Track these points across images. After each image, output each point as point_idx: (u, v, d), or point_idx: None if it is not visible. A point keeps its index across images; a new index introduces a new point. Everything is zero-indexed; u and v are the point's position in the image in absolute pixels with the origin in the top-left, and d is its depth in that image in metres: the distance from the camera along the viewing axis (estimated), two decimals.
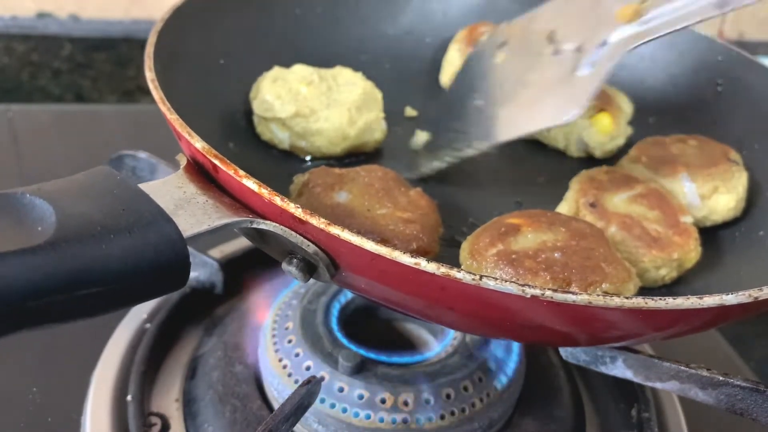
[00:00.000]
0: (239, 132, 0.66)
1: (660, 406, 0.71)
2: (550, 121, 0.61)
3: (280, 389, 0.62)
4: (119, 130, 1.11)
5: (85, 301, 0.34)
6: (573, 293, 0.38)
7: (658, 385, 0.51)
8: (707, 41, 0.78)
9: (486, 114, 0.66)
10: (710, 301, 0.40)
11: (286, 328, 0.65)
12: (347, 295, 0.68)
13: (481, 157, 0.71)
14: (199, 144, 0.44)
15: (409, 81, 0.80)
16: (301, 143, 0.66)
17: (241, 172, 0.42)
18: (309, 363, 0.61)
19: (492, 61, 0.69)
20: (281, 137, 0.66)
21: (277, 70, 0.67)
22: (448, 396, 0.60)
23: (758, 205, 0.66)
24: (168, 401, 0.66)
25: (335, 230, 0.39)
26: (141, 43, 0.56)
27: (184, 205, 0.41)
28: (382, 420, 0.59)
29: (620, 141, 0.74)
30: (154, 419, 0.64)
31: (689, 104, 0.77)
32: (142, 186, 0.40)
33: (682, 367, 0.50)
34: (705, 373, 0.49)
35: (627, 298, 0.39)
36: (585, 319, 0.42)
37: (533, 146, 0.76)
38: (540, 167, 0.73)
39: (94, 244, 0.34)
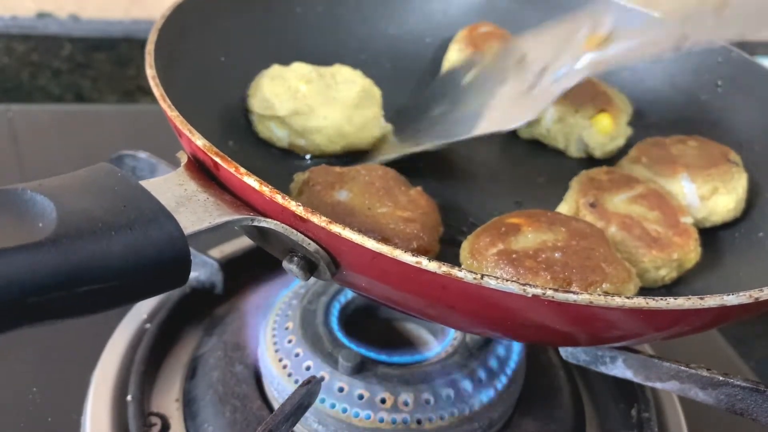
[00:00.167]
0: (240, 130, 0.66)
1: (660, 406, 0.71)
2: (499, 125, 0.64)
3: (280, 389, 0.62)
4: (119, 130, 1.11)
5: (86, 297, 0.34)
6: (574, 293, 0.38)
7: (658, 385, 0.51)
8: (707, 41, 0.77)
9: (446, 117, 0.69)
10: (711, 301, 0.40)
11: (286, 328, 0.65)
12: (347, 295, 0.68)
13: (481, 157, 0.71)
14: (200, 141, 0.44)
15: (409, 80, 0.80)
16: (300, 141, 0.66)
17: (242, 170, 0.42)
18: (309, 363, 0.61)
19: (462, 80, 0.73)
20: (280, 135, 0.66)
21: (275, 68, 0.67)
22: (448, 396, 0.60)
23: (758, 206, 0.66)
24: (168, 401, 0.66)
25: (336, 228, 0.39)
26: (141, 43, 0.57)
27: (185, 203, 0.41)
28: (382, 420, 0.59)
29: (620, 141, 0.74)
30: (154, 419, 0.64)
31: (689, 105, 0.77)
32: (144, 183, 0.40)
33: (682, 367, 0.49)
34: (705, 373, 0.49)
35: (628, 298, 0.39)
36: (586, 318, 0.42)
37: (533, 146, 0.76)
38: (540, 167, 0.73)
39: (95, 240, 0.34)
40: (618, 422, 0.69)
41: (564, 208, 0.63)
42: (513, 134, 0.76)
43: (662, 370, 0.50)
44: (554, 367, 0.73)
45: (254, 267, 0.78)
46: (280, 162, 0.65)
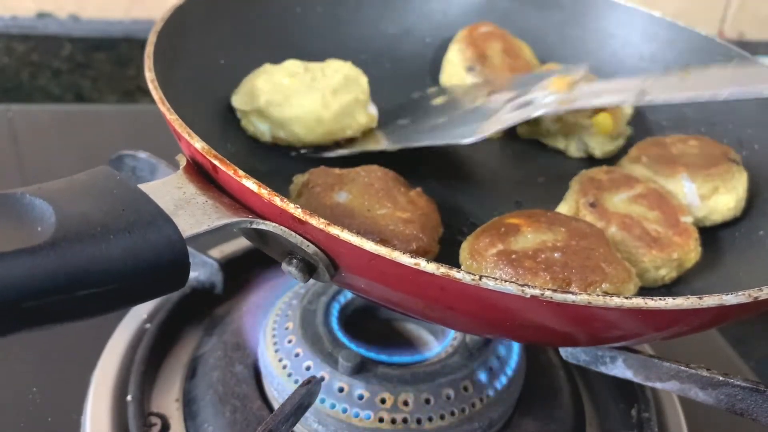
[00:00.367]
0: (239, 133, 0.66)
1: (660, 406, 0.71)
2: (452, 139, 0.65)
3: (280, 389, 0.62)
4: (119, 130, 1.11)
5: (85, 301, 0.34)
6: (572, 293, 0.38)
7: (658, 385, 0.51)
8: (707, 41, 0.77)
9: (406, 128, 0.71)
10: (710, 301, 0.40)
11: (286, 328, 0.65)
12: (347, 295, 0.68)
13: (481, 157, 0.71)
14: (198, 144, 0.44)
15: (410, 80, 0.80)
16: (281, 133, 0.65)
17: (241, 172, 0.42)
18: (309, 363, 0.61)
19: (430, 102, 0.75)
20: (262, 129, 0.65)
21: (266, 66, 0.67)
22: (448, 396, 0.60)
23: (758, 205, 0.66)
24: (168, 401, 0.66)
25: (335, 230, 0.39)
26: (141, 43, 0.57)
27: (183, 206, 0.41)
28: (382, 420, 0.59)
29: (620, 141, 0.74)
30: (154, 419, 0.64)
31: (689, 104, 0.77)
32: (142, 186, 0.40)
33: (682, 367, 0.50)
34: (705, 373, 0.49)
35: (627, 298, 0.39)
36: (585, 319, 0.42)
37: (533, 146, 0.76)
38: (540, 167, 0.73)
39: (93, 244, 0.34)
40: (618, 422, 0.69)
41: (564, 208, 0.63)
42: (513, 134, 0.76)
43: (662, 370, 0.50)
44: (554, 367, 0.73)
45: (254, 267, 0.78)
46: (280, 164, 0.64)
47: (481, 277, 0.38)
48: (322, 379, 0.60)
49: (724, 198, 0.64)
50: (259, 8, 0.72)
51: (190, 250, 0.38)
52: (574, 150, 0.74)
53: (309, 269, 0.44)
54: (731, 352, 0.85)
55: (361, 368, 0.60)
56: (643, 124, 0.76)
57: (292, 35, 0.74)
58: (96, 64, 1.20)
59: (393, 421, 0.59)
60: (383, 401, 0.59)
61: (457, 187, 0.67)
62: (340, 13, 0.79)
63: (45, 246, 0.33)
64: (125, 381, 0.65)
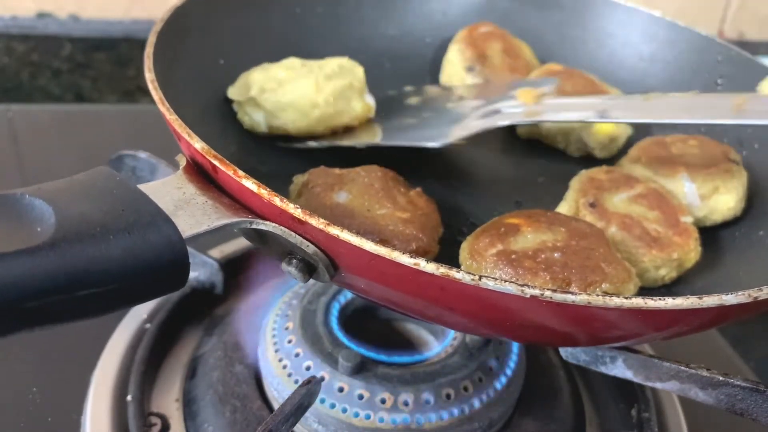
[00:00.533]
0: (239, 133, 0.66)
1: (660, 406, 0.71)
2: (418, 141, 0.66)
3: (280, 389, 0.62)
4: (119, 130, 1.11)
5: (85, 301, 0.34)
6: (572, 293, 0.38)
7: (658, 385, 0.51)
8: (707, 41, 0.77)
9: (374, 125, 0.71)
10: (710, 301, 0.40)
11: (286, 328, 0.65)
12: (347, 296, 0.68)
13: (481, 157, 0.71)
14: (198, 144, 0.44)
15: (410, 81, 0.79)
16: (276, 121, 0.65)
17: (241, 173, 0.42)
18: (309, 363, 0.61)
19: (404, 101, 0.75)
20: (257, 119, 0.65)
21: (264, 65, 0.67)
22: (448, 396, 0.60)
23: (758, 205, 0.66)
24: (168, 401, 0.66)
25: (334, 230, 0.39)
26: (141, 43, 0.57)
27: (183, 206, 0.41)
28: (382, 420, 0.59)
29: (620, 141, 0.74)
30: (154, 419, 0.64)
31: None
32: (142, 187, 0.40)
33: (682, 367, 0.50)
34: (705, 373, 0.49)
35: (626, 298, 0.39)
36: (584, 319, 0.42)
37: (533, 146, 0.76)
38: (540, 167, 0.73)
39: (93, 244, 0.34)
40: (618, 422, 0.69)
41: (564, 207, 0.63)
42: (513, 134, 0.76)
43: (662, 370, 0.50)
44: (554, 367, 0.73)
45: (254, 267, 0.78)
46: (279, 165, 0.64)
47: (480, 277, 0.38)
48: (322, 379, 0.60)
49: (724, 198, 0.64)
50: (259, 9, 0.72)
51: (190, 250, 0.38)
52: (574, 150, 0.74)
53: (309, 269, 0.44)
54: (731, 352, 0.85)
55: (361, 368, 0.60)
56: (643, 124, 0.76)
57: (292, 35, 0.74)
58: (96, 64, 1.20)
59: (393, 422, 0.59)
60: (383, 401, 0.59)
61: (457, 187, 0.67)
62: (340, 14, 0.79)
63: (45, 246, 0.33)
64: (125, 381, 0.65)
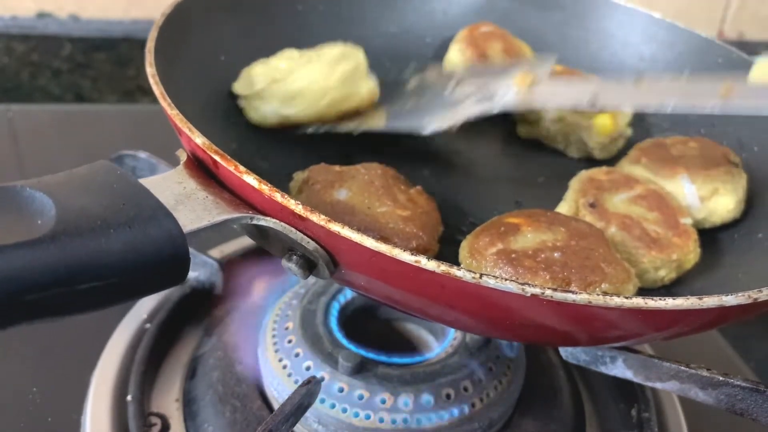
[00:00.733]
0: (240, 128, 0.66)
1: (660, 406, 0.71)
2: (412, 126, 0.66)
3: (280, 389, 0.62)
4: (119, 130, 1.11)
5: (85, 294, 0.34)
6: (572, 292, 0.38)
7: (658, 385, 0.51)
8: (707, 42, 0.78)
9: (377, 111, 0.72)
10: (710, 301, 0.40)
11: (286, 328, 0.65)
12: (347, 295, 0.68)
13: (481, 157, 0.71)
14: (199, 140, 0.44)
15: (410, 80, 0.80)
16: (287, 111, 0.65)
17: (242, 168, 0.42)
18: (309, 363, 0.61)
19: (402, 86, 0.76)
20: (267, 112, 0.65)
21: (262, 59, 0.67)
22: (448, 396, 0.60)
23: (758, 207, 0.66)
24: (168, 401, 0.66)
25: (335, 227, 0.39)
26: (141, 43, 0.57)
27: (184, 201, 0.41)
28: (382, 420, 0.59)
29: (620, 142, 0.74)
30: (154, 419, 0.64)
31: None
32: (143, 181, 0.40)
33: (682, 367, 0.50)
34: (705, 373, 0.49)
35: (626, 297, 0.39)
36: (584, 318, 0.42)
37: (533, 146, 0.76)
38: (540, 167, 0.73)
39: (93, 237, 0.34)
40: (618, 422, 0.69)
41: (564, 208, 0.63)
42: (513, 134, 0.76)
43: (662, 370, 0.50)
44: (554, 367, 0.73)
45: (254, 267, 0.78)
46: (280, 161, 0.64)
47: (481, 276, 0.38)
48: (322, 379, 0.60)
49: (724, 200, 0.64)
50: (260, 5, 0.72)
51: (190, 249, 0.38)
52: (574, 150, 0.74)
53: (309, 266, 0.44)
54: (731, 352, 0.85)
55: (361, 368, 0.60)
56: (643, 125, 0.76)
57: (292, 32, 0.74)
58: (96, 64, 1.20)
59: (393, 422, 0.59)
60: (383, 401, 0.59)
61: (457, 186, 0.67)
62: (340, 12, 0.79)
63: (45, 239, 0.33)
64: (125, 381, 0.65)
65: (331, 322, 0.65)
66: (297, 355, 0.62)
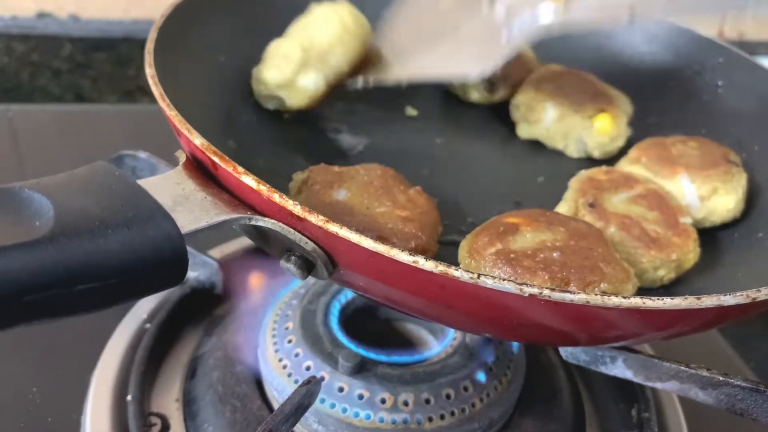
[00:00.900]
0: (238, 129, 0.66)
1: (660, 406, 0.71)
2: (457, 72, 0.66)
3: (280, 389, 0.62)
4: (119, 130, 1.11)
5: (84, 295, 0.34)
6: (571, 292, 0.38)
7: (658, 385, 0.51)
8: (707, 42, 0.78)
9: (403, 50, 0.71)
10: (708, 301, 0.40)
11: (286, 328, 0.65)
12: (347, 295, 0.68)
13: (481, 156, 0.71)
14: (198, 141, 0.44)
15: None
16: (330, 69, 0.66)
17: (240, 169, 0.42)
18: (309, 363, 0.61)
19: (434, 5, 0.74)
20: (308, 83, 0.66)
21: (262, 57, 0.68)
22: (448, 396, 0.60)
23: (757, 207, 0.66)
24: (168, 401, 0.66)
25: (333, 227, 0.39)
26: (141, 43, 0.56)
27: (182, 202, 0.41)
28: (382, 420, 0.59)
29: (620, 142, 0.74)
30: (154, 419, 0.64)
31: (689, 105, 0.77)
32: (141, 182, 0.40)
33: (682, 367, 0.50)
34: (705, 373, 0.49)
35: (625, 297, 0.39)
36: (583, 318, 0.42)
37: (533, 146, 0.76)
38: (540, 167, 0.73)
39: (92, 239, 0.34)
40: (618, 422, 0.69)
41: (563, 207, 0.62)
42: (513, 134, 0.76)
43: (662, 370, 0.50)
44: (554, 367, 0.73)
45: (254, 267, 0.78)
46: (279, 162, 0.64)
47: (479, 276, 0.38)
48: (322, 379, 0.60)
49: (724, 199, 0.64)
50: (259, 5, 0.72)
51: (189, 250, 0.39)
52: (573, 150, 0.74)
53: (307, 266, 0.44)
54: (731, 352, 0.85)
55: (361, 368, 0.60)
56: (642, 125, 0.76)
57: None
58: (96, 64, 1.20)
59: (393, 422, 0.59)
60: (383, 401, 0.59)
61: (457, 186, 0.67)
62: None
63: (43, 240, 0.33)
64: (125, 381, 0.65)
65: (331, 321, 0.65)
66: (297, 355, 0.62)
